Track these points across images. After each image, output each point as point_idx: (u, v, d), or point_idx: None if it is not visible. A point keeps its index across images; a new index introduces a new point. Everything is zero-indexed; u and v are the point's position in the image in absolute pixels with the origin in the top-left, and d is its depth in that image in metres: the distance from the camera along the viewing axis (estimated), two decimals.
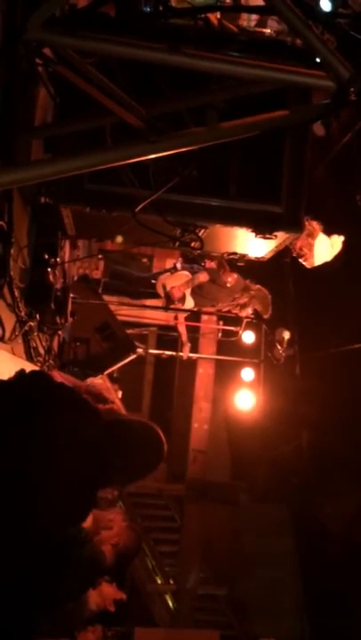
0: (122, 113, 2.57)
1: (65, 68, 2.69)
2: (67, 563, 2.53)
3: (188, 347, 7.22)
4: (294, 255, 4.66)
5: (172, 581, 9.22)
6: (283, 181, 3.53)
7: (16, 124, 3.11)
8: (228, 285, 6.01)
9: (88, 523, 3.02)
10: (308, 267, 4.81)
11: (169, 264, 6.98)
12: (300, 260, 4.75)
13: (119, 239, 3.94)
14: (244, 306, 6.23)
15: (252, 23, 4.69)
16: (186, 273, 6.22)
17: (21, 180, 2.53)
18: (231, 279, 5.92)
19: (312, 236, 4.63)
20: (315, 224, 4.64)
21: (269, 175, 3.52)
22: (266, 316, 6.29)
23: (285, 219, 3.53)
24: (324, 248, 4.74)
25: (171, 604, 9.04)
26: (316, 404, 9.12)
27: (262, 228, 3.52)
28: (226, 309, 6.53)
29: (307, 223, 4.53)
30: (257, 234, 3.53)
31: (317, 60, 2.42)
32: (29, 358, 3.97)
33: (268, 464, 10.49)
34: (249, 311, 6.22)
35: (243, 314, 6.29)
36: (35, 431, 2.31)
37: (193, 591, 8.62)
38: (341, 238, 4.84)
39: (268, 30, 4.20)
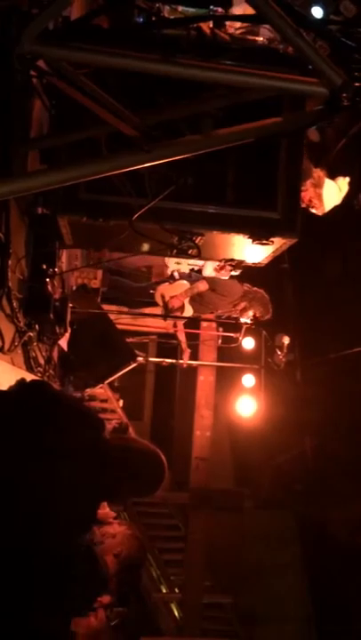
0: (116, 123, 2.58)
1: (59, 80, 2.71)
2: (71, 578, 2.52)
3: (187, 353, 7.23)
4: (303, 207, 4.46)
5: (177, 590, 9.18)
6: (279, 187, 3.53)
7: (12, 136, 3.13)
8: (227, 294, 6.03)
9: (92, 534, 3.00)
10: (320, 215, 4.70)
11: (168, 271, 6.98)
12: (312, 210, 4.64)
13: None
14: (244, 309, 6.24)
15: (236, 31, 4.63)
16: (184, 282, 6.24)
17: (18, 190, 2.54)
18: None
19: (319, 185, 4.56)
20: (319, 172, 4.56)
21: (265, 181, 3.53)
22: (268, 317, 6.28)
23: (282, 224, 3.53)
24: (333, 193, 4.68)
25: (176, 613, 9.00)
26: (318, 409, 9.11)
27: (259, 234, 3.52)
28: (226, 315, 6.53)
29: (312, 172, 4.47)
30: (254, 240, 3.53)
31: (310, 67, 2.43)
32: (29, 369, 3.98)
33: (271, 470, 10.46)
34: (250, 314, 6.22)
35: (244, 317, 6.30)
36: (37, 440, 2.31)
37: (198, 600, 8.57)
38: (347, 179, 4.75)
39: (261, 38, 4.22)
